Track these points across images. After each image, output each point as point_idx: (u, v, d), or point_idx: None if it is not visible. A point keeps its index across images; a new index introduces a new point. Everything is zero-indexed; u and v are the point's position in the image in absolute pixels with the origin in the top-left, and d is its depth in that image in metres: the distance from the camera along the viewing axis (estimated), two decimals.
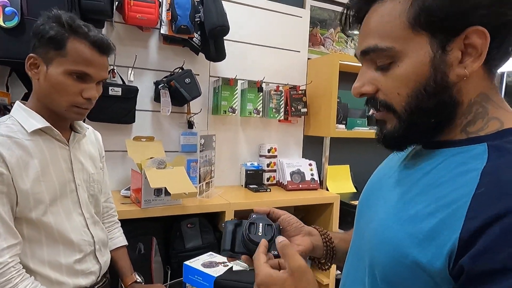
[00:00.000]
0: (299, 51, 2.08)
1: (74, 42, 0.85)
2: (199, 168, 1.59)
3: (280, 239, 0.60)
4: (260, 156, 2.01)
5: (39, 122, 0.88)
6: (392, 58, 0.48)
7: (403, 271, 0.46)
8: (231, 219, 0.71)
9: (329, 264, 0.74)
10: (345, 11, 0.54)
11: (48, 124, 0.89)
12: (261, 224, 0.66)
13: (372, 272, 0.52)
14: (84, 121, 1.51)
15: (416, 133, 0.51)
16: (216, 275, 1.07)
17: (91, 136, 1.09)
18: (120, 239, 1.19)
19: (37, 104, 0.90)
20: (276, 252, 0.63)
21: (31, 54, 0.87)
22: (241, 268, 1.10)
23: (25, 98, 1.45)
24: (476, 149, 0.46)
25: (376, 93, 0.51)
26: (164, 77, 1.68)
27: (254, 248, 0.63)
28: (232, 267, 1.10)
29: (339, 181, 2.18)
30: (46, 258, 0.88)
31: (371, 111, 0.55)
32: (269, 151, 1.99)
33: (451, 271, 0.41)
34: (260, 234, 0.65)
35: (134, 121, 1.64)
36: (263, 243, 0.61)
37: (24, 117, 0.88)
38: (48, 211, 0.87)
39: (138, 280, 1.15)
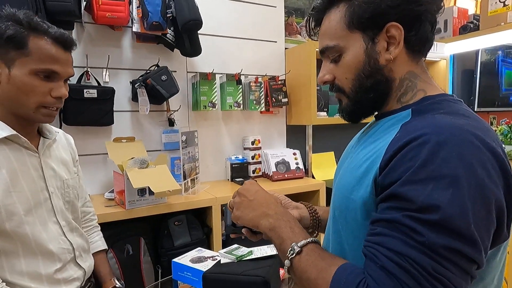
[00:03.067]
0: (276, 41, 2.08)
1: (35, 40, 0.81)
2: (183, 165, 1.58)
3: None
4: (244, 149, 2.01)
5: (4, 130, 0.83)
6: (339, 52, 0.65)
7: (350, 205, 0.60)
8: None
9: (316, 232, 0.89)
10: (308, 20, 0.71)
11: (14, 132, 0.84)
12: None
13: (334, 215, 0.68)
14: (61, 126, 1.49)
15: (361, 107, 0.67)
16: (204, 270, 1.07)
17: (62, 140, 1.04)
18: (98, 243, 1.16)
19: (1, 111, 0.85)
20: None
21: None
22: (229, 261, 1.10)
23: None
24: (403, 113, 0.62)
25: (334, 80, 0.67)
26: (140, 76, 1.65)
27: None
28: (220, 261, 1.11)
29: (325, 168, 2.20)
30: (25, 270, 0.85)
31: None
32: (253, 143, 1.99)
33: (376, 193, 0.56)
34: None
35: (113, 123, 1.61)
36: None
37: None
38: (24, 222, 0.84)
39: (117, 286, 1.12)
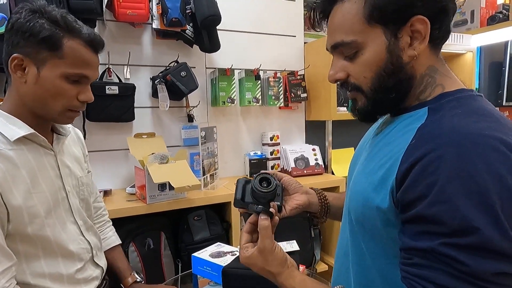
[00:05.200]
0: (295, 36, 2.05)
1: (70, 43, 0.78)
2: (202, 161, 1.59)
3: (262, 217, 0.69)
4: (263, 144, 2.00)
5: (22, 128, 0.80)
6: (356, 49, 0.59)
7: (368, 212, 0.58)
8: (242, 177, 0.84)
9: (325, 218, 0.88)
10: (312, 12, 0.65)
11: (32, 131, 0.81)
12: (267, 179, 0.78)
13: (350, 217, 0.65)
14: (84, 122, 1.53)
15: (381, 107, 0.63)
16: (224, 265, 1.08)
17: (72, 135, 1.01)
18: (113, 238, 1.16)
19: (19, 108, 0.81)
20: (278, 203, 0.78)
21: (16, 55, 0.76)
22: None
23: None
24: (420, 112, 0.58)
25: (348, 78, 0.62)
26: (160, 72, 1.67)
27: (261, 198, 0.76)
28: (238, 256, 1.11)
29: (345, 164, 2.16)
30: (47, 271, 0.83)
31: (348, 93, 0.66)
32: (271, 139, 1.98)
33: (395, 205, 0.52)
34: (266, 186, 0.77)
35: (134, 119, 1.64)
36: (248, 224, 0.72)
37: (3, 124, 0.79)
38: (45, 224, 0.82)
39: (138, 280, 1.12)
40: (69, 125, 0.99)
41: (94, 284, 0.94)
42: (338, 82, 0.64)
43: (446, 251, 0.45)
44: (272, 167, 1.99)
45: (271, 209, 0.76)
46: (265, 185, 0.79)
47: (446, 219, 0.45)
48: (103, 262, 1.01)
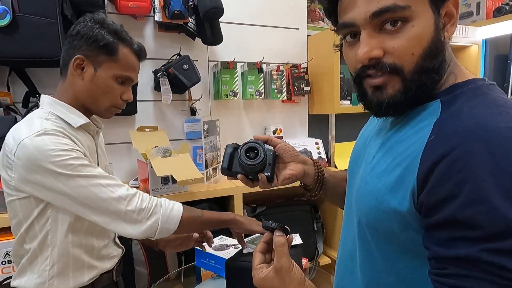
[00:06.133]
0: (298, 28, 2.03)
1: (124, 50, 0.93)
2: (205, 154, 1.59)
3: (277, 234, 0.62)
4: None
5: (81, 118, 0.93)
6: (406, 18, 0.50)
7: (382, 216, 0.53)
8: (231, 143, 0.78)
9: (317, 193, 0.81)
10: None
11: (88, 120, 0.95)
12: (254, 149, 0.73)
13: (359, 221, 0.60)
14: None
15: (420, 93, 0.53)
16: (227, 257, 1.08)
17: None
18: None
19: (73, 100, 0.94)
20: (268, 174, 0.74)
21: (78, 55, 0.90)
22: (251, 250, 1.10)
23: (26, 97, 1.46)
24: (432, 105, 0.53)
25: (382, 57, 0.52)
26: (162, 66, 1.66)
27: (248, 169, 0.73)
28: (242, 250, 1.11)
29: (347, 158, 2.15)
30: (83, 243, 0.93)
31: (370, 80, 0.54)
32: (274, 132, 1.97)
33: (416, 207, 0.48)
34: (253, 157, 0.72)
35: (136, 112, 1.64)
36: (262, 243, 0.64)
37: (64, 113, 0.91)
38: None
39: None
40: None
41: (113, 261, 1.03)
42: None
43: (487, 257, 0.40)
44: None
45: (260, 179, 0.72)
46: (252, 156, 0.73)
47: (483, 221, 0.40)
48: (121, 245, 1.11)
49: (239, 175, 0.76)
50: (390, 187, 0.51)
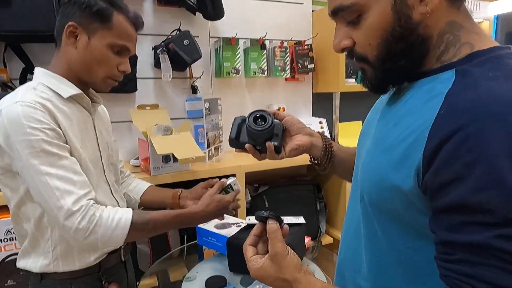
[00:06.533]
0: (302, 3, 1.96)
1: (118, 17, 0.88)
2: (207, 133, 1.56)
3: (270, 222, 0.61)
4: None
5: (72, 88, 0.89)
6: (358, 12, 0.51)
7: (384, 193, 0.51)
8: (240, 115, 0.79)
9: (326, 166, 0.81)
10: None
11: (81, 91, 0.89)
12: (263, 117, 0.74)
13: (362, 197, 0.58)
14: None
15: (392, 77, 0.54)
16: (229, 236, 1.07)
17: (101, 108, 1.09)
18: (143, 182, 1.21)
19: (66, 71, 0.89)
20: (276, 143, 0.74)
21: (71, 23, 0.86)
22: (254, 222, 1.10)
23: (23, 74, 1.43)
24: (445, 75, 0.49)
25: (354, 45, 0.55)
26: (162, 42, 1.61)
27: (256, 137, 0.74)
28: (245, 227, 1.10)
29: (352, 138, 2.12)
30: None
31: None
32: None
33: (420, 187, 0.45)
34: (262, 124, 0.73)
35: (136, 90, 1.60)
36: (252, 236, 0.64)
37: (55, 84, 0.87)
38: (91, 176, 0.89)
39: (180, 193, 1.14)
40: None
41: None
42: (345, 52, 0.57)
43: (502, 244, 0.38)
44: None
45: (268, 148, 0.73)
46: (261, 123, 0.73)
47: (496, 206, 0.38)
48: None
49: (247, 145, 0.77)
50: (394, 164, 0.49)
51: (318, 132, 0.82)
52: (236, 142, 0.77)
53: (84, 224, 0.78)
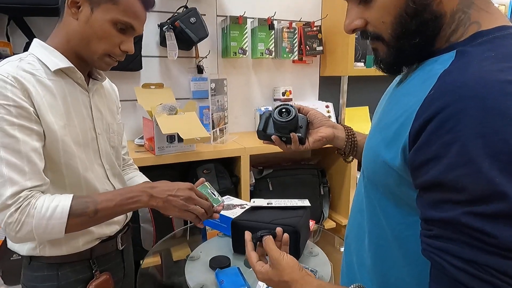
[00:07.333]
0: None
1: None
2: (212, 114, 1.54)
3: (264, 238, 0.71)
4: (275, 100, 1.93)
5: (62, 61, 0.83)
6: None
7: (379, 169, 0.54)
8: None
9: (351, 156, 0.87)
10: None
11: (71, 65, 0.84)
12: (287, 110, 0.80)
13: (363, 174, 0.63)
14: None
15: (405, 56, 0.54)
16: (233, 217, 1.07)
17: (107, 87, 1.03)
18: (140, 176, 1.14)
19: (64, 43, 0.84)
20: (300, 134, 0.81)
21: None
22: (261, 204, 1.10)
23: (27, 48, 1.40)
24: (446, 55, 0.48)
25: (366, 25, 0.55)
26: (168, 19, 1.58)
27: (281, 128, 0.81)
28: (249, 209, 1.10)
29: (358, 123, 2.10)
30: None
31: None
32: (283, 94, 1.90)
33: (408, 165, 0.47)
34: (286, 117, 0.79)
35: (141, 68, 1.57)
36: (249, 242, 0.73)
37: (46, 55, 0.82)
38: (76, 157, 0.83)
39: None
40: (107, 78, 1.02)
41: (114, 227, 0.95)
42: (357, 33, 0.57)
43: (469, 221, 0.39)
44: None
45: (292, 139, 0.78)
46: (285, 115, 0.80)
47: (467, 184, 0.39)
48: None
49: (273, 136, 0.84)
50: (387, 142, 0.51)
51: (341, 123, 0.87)
52: (263, 134, 0.84)
53: (16, 217, 0.72)
